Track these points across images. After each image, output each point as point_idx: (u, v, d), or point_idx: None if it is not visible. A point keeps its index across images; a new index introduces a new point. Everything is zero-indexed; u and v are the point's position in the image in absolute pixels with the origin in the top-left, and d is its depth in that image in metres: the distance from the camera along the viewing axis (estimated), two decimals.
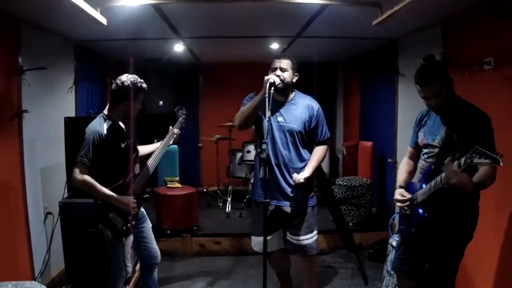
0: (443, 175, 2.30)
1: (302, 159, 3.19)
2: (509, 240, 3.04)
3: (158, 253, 3.25)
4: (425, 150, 2.66)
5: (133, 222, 2.91)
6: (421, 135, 2.69)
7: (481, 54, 3.26)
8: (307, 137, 3.21)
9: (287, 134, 3.15)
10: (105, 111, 2.91)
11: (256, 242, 3.27)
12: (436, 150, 2.54)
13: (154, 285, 3.30)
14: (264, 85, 2.91)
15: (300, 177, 3.05)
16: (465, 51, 3.56)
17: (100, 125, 2.79)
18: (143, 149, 3.17)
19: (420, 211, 2.54)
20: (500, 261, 3.13)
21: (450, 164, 2.20)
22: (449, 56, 3.71)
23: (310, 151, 3.26)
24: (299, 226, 3.18)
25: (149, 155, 3.12)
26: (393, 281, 3.59)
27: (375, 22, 3.51)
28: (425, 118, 2.71)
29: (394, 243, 3.61)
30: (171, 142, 3.19)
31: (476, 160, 2.02)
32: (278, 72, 3.06)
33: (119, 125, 2.94)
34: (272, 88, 2.90)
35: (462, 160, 2.12)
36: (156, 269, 3.30)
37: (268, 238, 3.15)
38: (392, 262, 3.11)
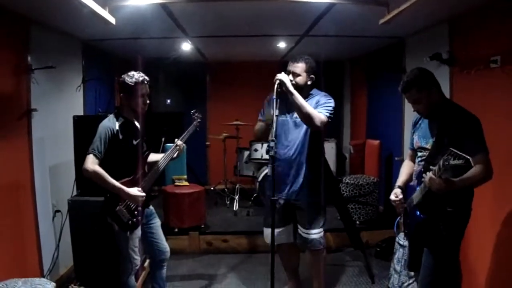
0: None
1: (316, 155, 3.26)
2: (508, 237, 3.06)
3: (168, 249, 3.32)
4: (419, 153, 2.69)
5: (139, 218, 2.97)
6: (415, 137, 2.74)
7: (488, 53, 3.25)
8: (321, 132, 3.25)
9: (302, 131, 3.21)
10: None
11: (268, 233, 3.30)
12: (428, 153, 2.57)
13: (162, 281, 3.35)
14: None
15: None
16: (472, 49, 3.54)
17: (111, 122, 2.91)
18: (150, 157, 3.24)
19: (418, 213, 2.56)
20: (498, 257, 3.15)
21: (428, 173, 2.30)
22: (455, 55, 3.71)
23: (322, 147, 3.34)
24: (310, 220, 3.23)
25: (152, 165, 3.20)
26: (400, 279, 3.60)
27: (382, 20, 3.51)
28: (420, 121, 2.75)
29: (401, 242, 3.63)
30: (175, 155, 3.25)
31: (452, 162, 2.06)
32: (291, 77, 3.11)
33: (132, 122, 3.03)
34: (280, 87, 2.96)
35: (441, 162, 2.15)
36: (165, 265, 3.36)
37: (278, 230, 3.21)
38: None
